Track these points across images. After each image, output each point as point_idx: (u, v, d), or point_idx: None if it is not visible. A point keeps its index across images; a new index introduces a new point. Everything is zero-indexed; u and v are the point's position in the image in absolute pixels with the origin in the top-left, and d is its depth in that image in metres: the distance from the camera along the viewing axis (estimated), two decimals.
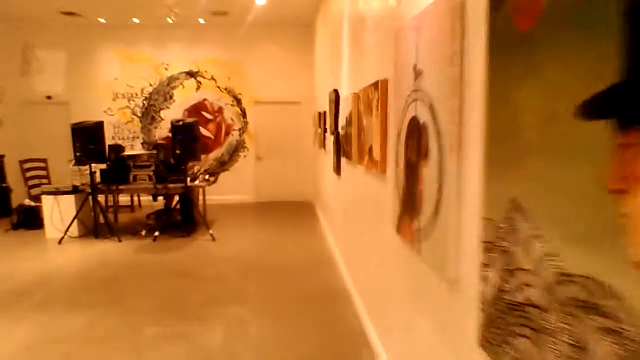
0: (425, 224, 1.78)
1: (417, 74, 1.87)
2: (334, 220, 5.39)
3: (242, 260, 5.12)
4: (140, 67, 8.39)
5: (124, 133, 8.53)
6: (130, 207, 7.98)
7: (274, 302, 3.90)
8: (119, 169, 6.29)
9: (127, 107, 8.48)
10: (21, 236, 6.27)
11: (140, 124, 8.55)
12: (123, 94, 8.44)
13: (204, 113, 8.61)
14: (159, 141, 8.39)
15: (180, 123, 5.83)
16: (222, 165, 8.76)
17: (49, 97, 8.27)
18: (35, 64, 8.14)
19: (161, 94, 8.50)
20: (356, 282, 3.76)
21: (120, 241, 5.88)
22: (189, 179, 6.34)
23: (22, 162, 6.92)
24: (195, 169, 8.65)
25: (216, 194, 8.60)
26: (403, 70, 2.10)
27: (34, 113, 8.16)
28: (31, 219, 6.61)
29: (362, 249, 3.44)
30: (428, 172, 1.75)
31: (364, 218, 3.33)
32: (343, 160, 4.33)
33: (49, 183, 7.29)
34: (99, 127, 5.91)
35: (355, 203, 3.74)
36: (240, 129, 8.70)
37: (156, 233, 5.98)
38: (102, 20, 7.77)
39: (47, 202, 6.10)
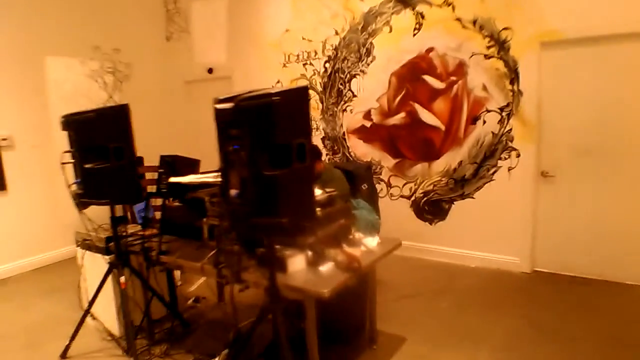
0: None
1: None
2: None
3: None
4: (321, 3, 4.75)
5: None
6: None
7: None
8: (185, 206, 2.88)
9: (303, 76, 5.03)
10: None
11: (320, 106, 4.97)
12: (297, 55, 5.02)
13: (428, 78, 4.26)
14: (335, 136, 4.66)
15: (231, 105, 1.83)
16: (460, 184, 4.25)
17: (210, 71, 5.68)
18: (181, 21, 5.63)
19: (353, 49, 4.65)
20: None
21: None
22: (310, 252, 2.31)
23: None
24: (400, 188, 4.46)
25: (438, 244, 4.25)
26: None
27: (185, 95, 5.71)
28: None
29: None
30: None
31: None
32: None
33: None
34: (118, 117, 2.59)
35: None
36: (503, 108, 3.94)
37: None
38: None
39: (79, 259, 3.31)
